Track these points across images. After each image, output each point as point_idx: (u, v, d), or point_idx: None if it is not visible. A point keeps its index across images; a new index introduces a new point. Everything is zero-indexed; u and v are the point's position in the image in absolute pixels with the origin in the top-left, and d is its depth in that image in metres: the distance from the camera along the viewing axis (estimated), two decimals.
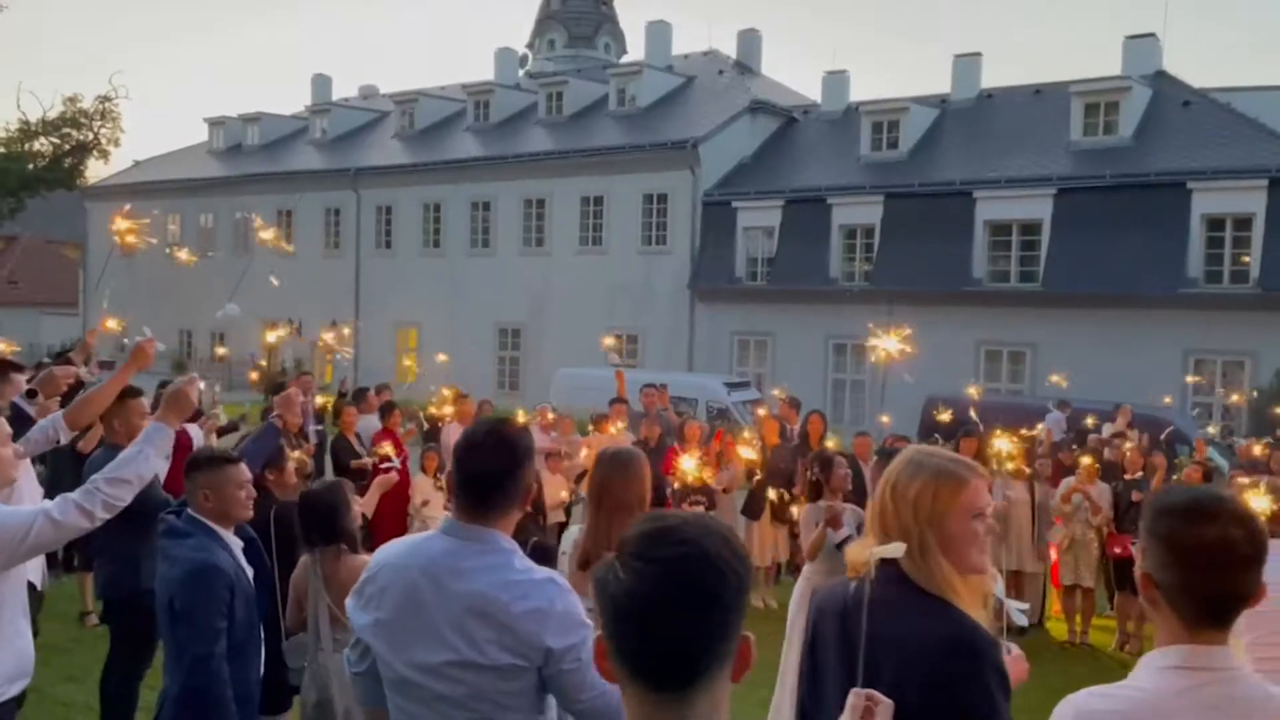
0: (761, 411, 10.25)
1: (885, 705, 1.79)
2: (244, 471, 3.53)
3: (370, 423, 8.62)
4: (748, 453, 8.19)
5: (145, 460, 3.14)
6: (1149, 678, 1.79)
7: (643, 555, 1.33)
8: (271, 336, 24.53)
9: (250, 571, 3.47)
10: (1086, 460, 8.29)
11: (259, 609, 3.56)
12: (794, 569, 9.38)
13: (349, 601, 2.41)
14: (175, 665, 3.16)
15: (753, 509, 8.76)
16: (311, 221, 33.93)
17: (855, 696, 1.79)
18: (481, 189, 30.31)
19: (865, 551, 2.40)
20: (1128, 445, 9.36)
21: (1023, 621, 2.92)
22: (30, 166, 30.55)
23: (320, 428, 8.88)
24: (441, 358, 21.86)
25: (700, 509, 8.54)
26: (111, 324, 8.94)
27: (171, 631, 3.20)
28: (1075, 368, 20.87)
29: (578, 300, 28.03)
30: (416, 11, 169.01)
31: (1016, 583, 8.62)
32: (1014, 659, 2.43)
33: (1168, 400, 18.30)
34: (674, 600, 1.30)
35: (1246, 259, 20.73)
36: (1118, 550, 7.93)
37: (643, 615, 1.31)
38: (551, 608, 2.19)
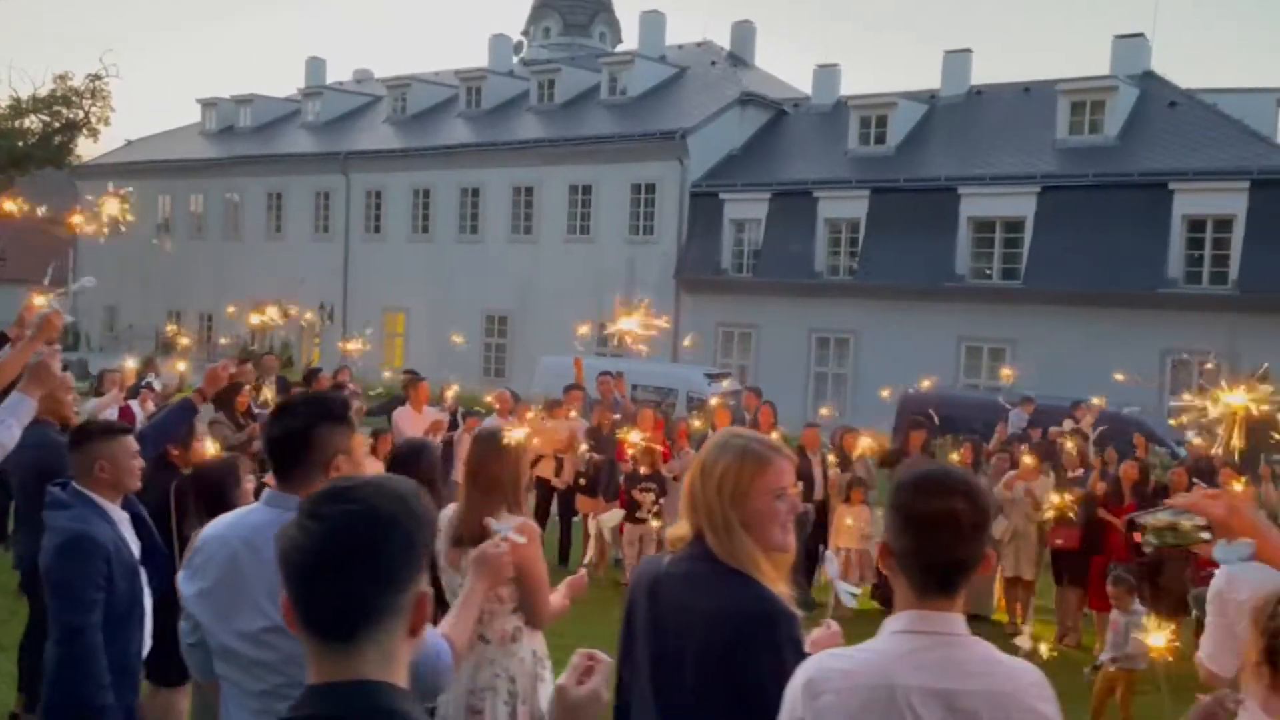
0: (714, 401, 10.32)
1: (604, 664, 1.87)
2: (134, 442, 3.61)
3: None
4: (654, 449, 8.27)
5: (6, 429, 3.21)
6: (882, 640, 1.87)
7: (314, 513, 1.42)
8: (256, 319, 24.51)
9: (137, 545, 3.53)
10: (1028, 458, 8.38)
11: (155, 582, 3.63)
12: None
13: (180, 574, 2.49)
14: (50, 635, 3.24)
15: None
16: (301, 205, 33.96)
17: (578, 656, 1.88)
18: (471, 175, 30.33)
19: (680, 529, 2.48)
20: (1069, 444, 9.45)
21: (851, 603, 2.99)
22: (20, 144, 30.53)
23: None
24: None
25: (650, 495, 8.64)
26: (39, 300, 8.98)
27: (48, 601, 3.28)
28: (1054, 365, 21.00)
29: (564, 288, 28.07)
30: None
31: None
32: (831, 634, 2.51)
33: (1140, 381, 18.24)
34: (333, 555, 1.39)
35: (1226, 260, 20.81)
36: (1058, 542, 8.02)
37: (306, 569, 1.40)
38: None
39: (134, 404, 8.56)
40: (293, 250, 33.89)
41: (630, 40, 38.24)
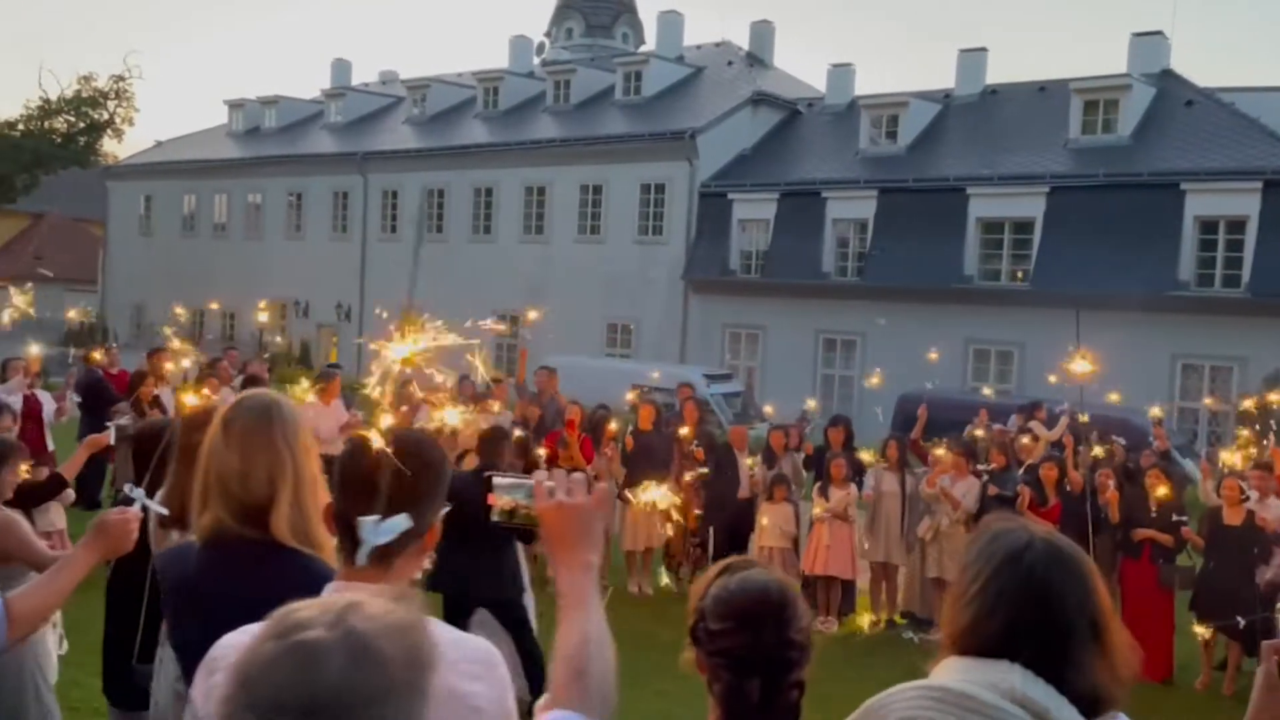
0: (630, 396, 10.22)
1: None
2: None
3: (228, 395, 8.68)
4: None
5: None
6: None
7: None
8: (263, 317, 24.71)
9: None
10: (940, 451, 8.16)
11: None
12: (668, 556, 9.36)
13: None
14: None
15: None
16: (320, 205, 34.30)
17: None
18: (485, 175, 30.44)
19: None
20: (1024, 440, 9.30)
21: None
22: (48, 144, 31.20)
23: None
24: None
25: None
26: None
27: None
28: (1062, 369, 20.55)
29: (575, 288, 28.06)
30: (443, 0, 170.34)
31: (885, 574, 8.53)
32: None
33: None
34: None
35: (1239, 263, 20.27)
36: None
37: None
38: None
39: (43, 394, 8.63)
40: (311, 250, 34.24)
41: (653, 41, 38.20)
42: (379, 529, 1.74)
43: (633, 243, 27.74)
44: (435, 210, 31.81)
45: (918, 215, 23.50)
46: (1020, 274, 22.60)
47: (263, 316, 21.55)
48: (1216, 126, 22.02)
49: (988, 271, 23.26)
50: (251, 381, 8.37)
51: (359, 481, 1.76)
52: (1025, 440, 9.66)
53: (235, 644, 1.70)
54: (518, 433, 7.69)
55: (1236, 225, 20.33)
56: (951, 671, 1.62)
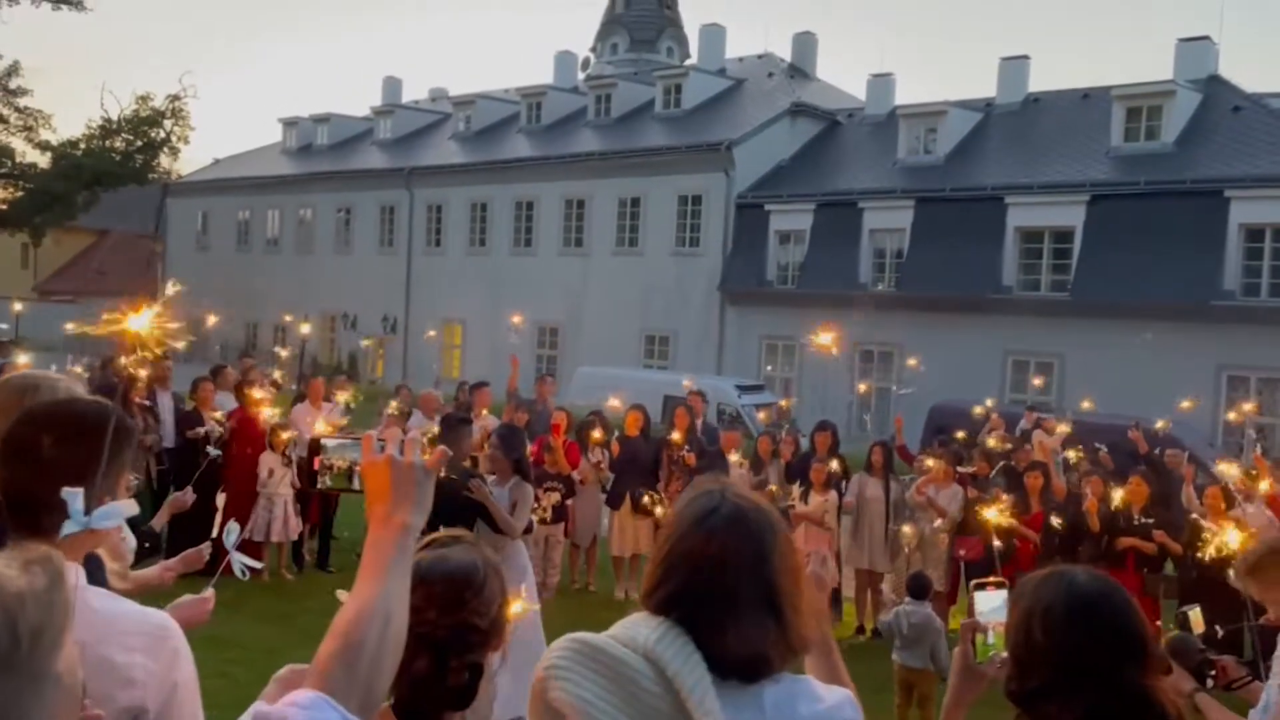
0: (614, 402, 10.20)
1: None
2: None
3: (226, 399, 8.88)
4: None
5: None
6: None
7: None
8: (306, 329, 25.34)
9: None
10: (930, 461, 8.05)
11: None
12: None
13: None
14: None
15: (613, 499, 8.77)
16: (367, 220, 34.92)
17: None
18: (526, 189, 30.75)
19: None
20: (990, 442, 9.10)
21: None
22: (109, 163, 32.27)
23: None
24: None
25: (557, 495, 8.60)
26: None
27: None
28: (1103, 380, 20.12)
29: (613, 300, 28.19)
30: (494, 17, 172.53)
31: (870, 580, 8.42)
32: (194, 600, 2.46)
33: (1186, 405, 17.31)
34: None
35: None
36: (961, 553, 7.67)
37: None
38: None
39: None
40: (359, 264, 34.86)
41: (697, 55, 38.32)
42: (104, 512, 1.65)
43: (670, 255, 27.79)
44: (479, 224, 32.19)
45: (955, 225, 23.21)
46: (1060, 284, 22.21)
47: (305, 329, 22.10)
48: (1264, 132, 21.44)
49: (1027, 282, 22.87)
50: (237, 390, 8.56)
51: (17, 450, 1.69)
52: (1037, 440, 9.47)
53: None
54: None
55: None
56: (615, 626, 1.63)
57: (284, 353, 20.14)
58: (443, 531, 1.90)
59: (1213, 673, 2.77)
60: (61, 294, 43.14)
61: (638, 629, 1.57)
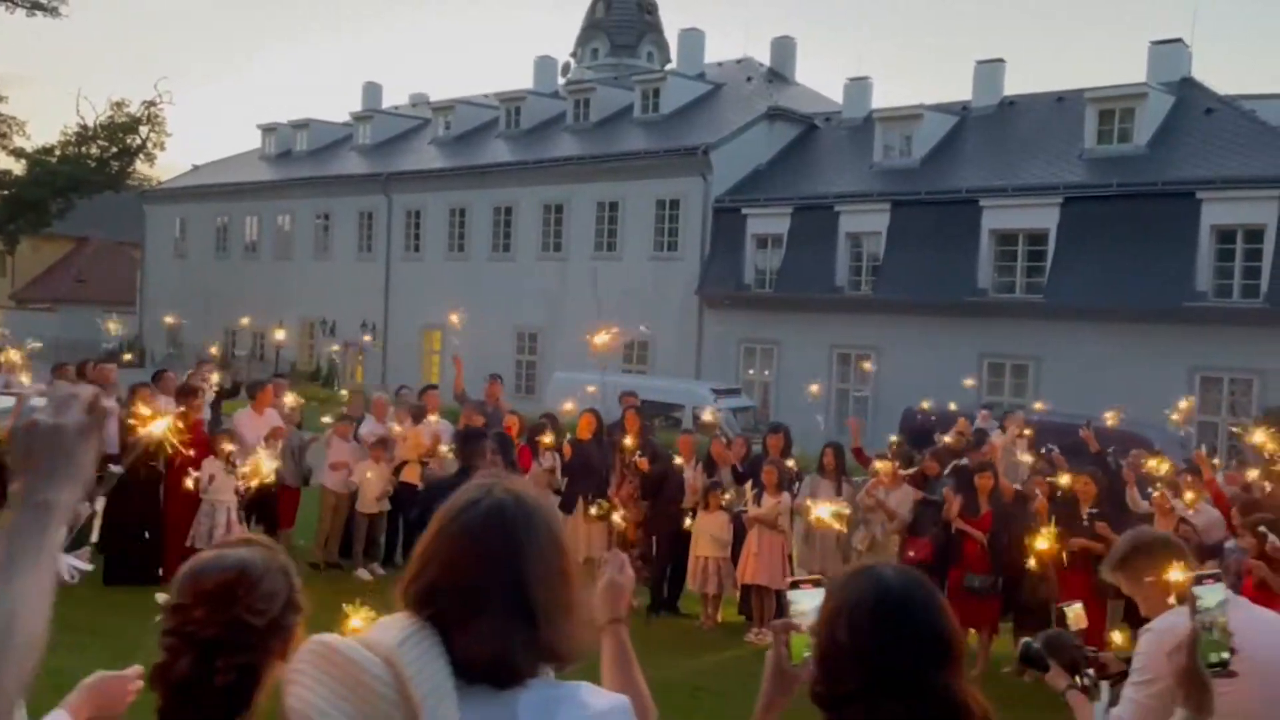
0: (568, 406, 10.14)
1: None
2: None
3: (169, 404, 8.78)
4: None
5: None
6: None
7: None
8: (280, 335, 25.23)
9: None
10: (881, 464, 8.00)
11: None
12: None
13: None
14: None
15: (566, 504, 8.69)
16: (346, 225, 34.80)
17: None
18: (504, 194, 30.67)
19: None
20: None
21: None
22: (82, 169, 32.09)
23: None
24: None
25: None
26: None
27: None
28: (1078, 382, 20.16)
29: (591, 306, 28.09)
30: (475, 22, 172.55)
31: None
32: (112, 679, 2.38)
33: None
34: None
35: (1258, 272, 19.74)
36: (910, 554, 7.62)
37: None
38: None
39: None
40: (338, 270, 34.72)
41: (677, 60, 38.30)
42: None
43: (647, 259, 27.75)
44: (457, 229, 32.09)
45: (931, 228, 23.23)
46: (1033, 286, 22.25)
47: (279, 335, 21.98)
48: (1235, 134, 21.53)
49: (1002, 284, 22.90)
50: (184, 394, 8.46)
51: None
52: (994, 441, 9.46)
53: None
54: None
55: (1255, 234, 19.82)
56: (374, 625, 1.57)
57: (243, 354, 19.94)
58: (235, 536, 1.84)
59: (1089, 670, 2.73)
60: (40, 302, 42.90)
61: (388, 630, 1.50)
